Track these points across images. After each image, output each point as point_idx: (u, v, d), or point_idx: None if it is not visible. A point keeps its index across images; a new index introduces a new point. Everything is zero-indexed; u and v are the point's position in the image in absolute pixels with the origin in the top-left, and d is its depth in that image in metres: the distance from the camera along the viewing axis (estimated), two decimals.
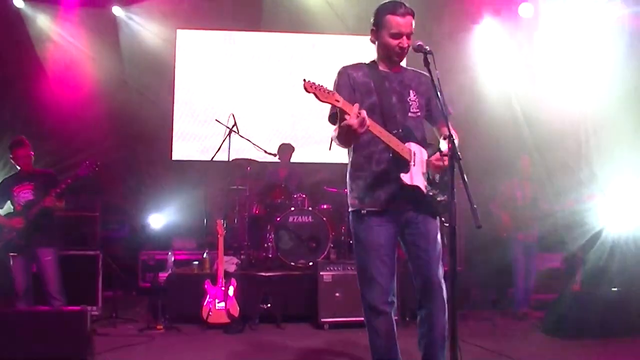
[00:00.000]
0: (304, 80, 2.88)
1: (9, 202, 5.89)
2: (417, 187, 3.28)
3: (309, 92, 2.88)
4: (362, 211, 3.37)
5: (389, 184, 3.31)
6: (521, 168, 7.12)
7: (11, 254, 5.69)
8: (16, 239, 5.66)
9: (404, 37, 3.29)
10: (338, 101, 2.93)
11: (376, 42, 3.41)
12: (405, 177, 3.25)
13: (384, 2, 3.36)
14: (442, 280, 3.36)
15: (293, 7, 8.75)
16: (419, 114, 3.45)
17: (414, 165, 3.27)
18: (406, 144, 3.27)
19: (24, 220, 5.66)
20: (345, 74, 3.41)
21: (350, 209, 3.49)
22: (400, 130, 3.27)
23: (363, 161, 3.40)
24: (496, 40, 8.69)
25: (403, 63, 3.53)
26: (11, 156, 5.89)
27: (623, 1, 7.95)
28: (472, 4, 8.34)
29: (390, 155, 3.29)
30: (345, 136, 3.06)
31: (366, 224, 3.37)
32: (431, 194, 3.32)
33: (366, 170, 3.38)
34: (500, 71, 8.55)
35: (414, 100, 3.43)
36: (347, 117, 2.93)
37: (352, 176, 3.48)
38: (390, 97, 3.37)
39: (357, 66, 3.46)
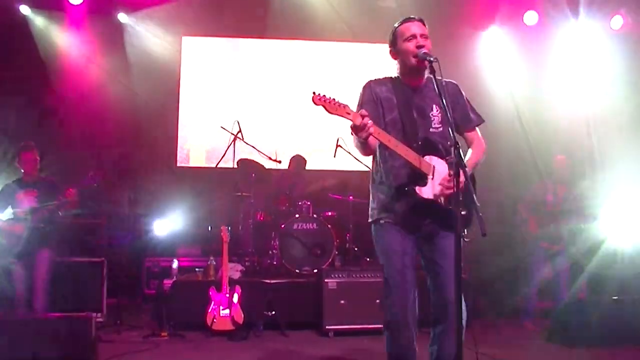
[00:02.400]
0: (313, 93, 2.90)
1: (9, 207, 5.88)
2: (435, 201, 3.26)
3: (317, 104, 2.90)
4: (381, 221, 3.40)
5: (407, 199, 3.29)
6: (555, 169, 6.81)
7: (13, 260, 5.69)
8: (18, 245, 5.67)
9: (419, 37, 3.30)
10: (349, 113, 2.94)
11: (397, 58, 3.41)
12: (421, 191, 3.22)
13: None
14: (460, 298, 3.32)
15: (299, 14, 8.75)
16: (441, 128, 3.41)
17: (432, 178, 3.25)
18: (425, 157, 3.25)
19: (26, 226, 5.65)
20: (369, 88, 3.43)
21: (369, 220, 3.52)
22: (419, 144, 3.26)
23: (383, 175, 3.43)
24: (502, 48, 8.71)
25: None
26: (17, 159, 5.90)
27: (625, 10, 7.97)
28: (478, 12, 8.35)
29: (408, 169, 3.28)
30: (357, 143, 3.15)
31: (386, 230, 3.40)
32: (449, 207, 3.26)
33: (385, 184, 3.41)
34: (506, 77, 8.54)
35: (437, 115, 3.41)
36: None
37: (373, 189, 3.52)
38: (412, 112, 3.37)
39: (382, 81, 3.47)
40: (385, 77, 3.49)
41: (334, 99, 2.92)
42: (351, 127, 2.96)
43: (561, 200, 6.73)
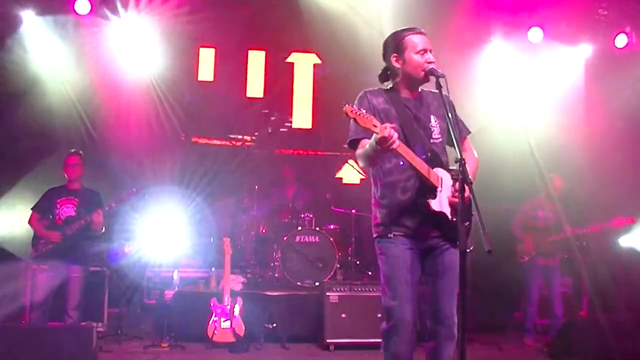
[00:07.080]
0: (346, 104, 2.93)
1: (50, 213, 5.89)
2: (443, 214, 3.25)
3: (349, 116, 2.92)
4: (389, 235, 3.33)
5: (416, 212, 3.27)
6: (553, 188, 6.84)
7: (43, 266, 5.68)
8: (51, 252, 5.68)
9: (429, 52, 3.32)
10: (375, 126, 2.93)
11: (401, 67, 3.37)
12: (433, 204, 3.21)
13: (393, 32, 3.42)
14: (454, 313, 3.30)
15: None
16: (440, 139, 3.42)
17: (441, 191, 3.24)
18: (434, 170, 3.25)
19: (62, 235, 5.67)
20: (365, 98, 3.40)
21: (374, 236, 3.44)
22: (428, 156, 3.26)
23: (386, 189, 3.36)
24: (505, 63, 8.72)
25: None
26: (63, 165, 5.92)
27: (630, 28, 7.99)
28: (482, 28, 8.35)
29: (415, 182, 3.27)
30: (374, 154, 3.10)
31: (390, 242, 3.32)
32: (455, 219, 3.23)
33: (390, 198, 3.34)
34: (510, 93, 8.54)
35: (435, 126, 3.41)
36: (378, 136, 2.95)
37: (376, 204, 3.44)
38: (412, 123, 3.36)
39: (377, 92, 3.45)
40: (379, 89, 3.48)
41: (363, 111, 2.94)
42: (377, 139, 2.93)
43: (552, 214, 6.78)
